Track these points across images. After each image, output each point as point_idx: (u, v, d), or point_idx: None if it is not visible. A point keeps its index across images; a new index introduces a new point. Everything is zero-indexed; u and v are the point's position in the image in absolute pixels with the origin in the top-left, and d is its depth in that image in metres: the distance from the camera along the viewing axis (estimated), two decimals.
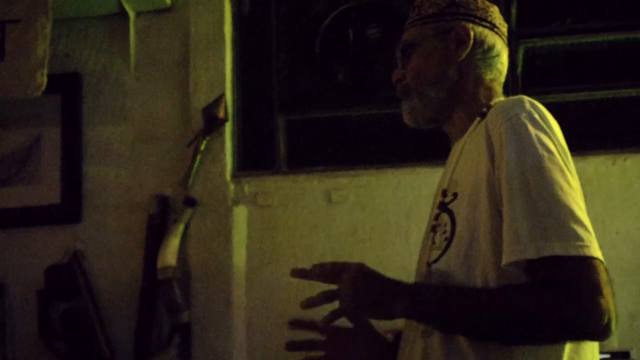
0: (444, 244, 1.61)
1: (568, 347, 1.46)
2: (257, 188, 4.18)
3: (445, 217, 1.63)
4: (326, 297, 1.66)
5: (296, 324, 1.90)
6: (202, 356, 3.96)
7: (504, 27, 1.79)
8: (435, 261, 1.61)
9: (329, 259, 3.91)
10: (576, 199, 1.44)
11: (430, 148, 4.17)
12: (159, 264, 3.96)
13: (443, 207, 1.65)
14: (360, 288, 1.56)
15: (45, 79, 3.87)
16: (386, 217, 4.04)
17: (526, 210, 1.41)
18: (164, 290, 3.95)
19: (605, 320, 1.35)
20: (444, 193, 1.68)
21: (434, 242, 1.66)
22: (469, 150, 1.66)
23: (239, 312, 4.04)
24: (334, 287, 1.63)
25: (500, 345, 1.46)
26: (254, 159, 4.29)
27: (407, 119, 1.84)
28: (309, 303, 1.71)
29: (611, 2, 4.26)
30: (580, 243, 1.38)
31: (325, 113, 4.34)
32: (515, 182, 1.44)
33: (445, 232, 1.61)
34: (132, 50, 4.38)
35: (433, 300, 1.51)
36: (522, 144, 1.47)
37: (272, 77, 4.37)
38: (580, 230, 1.39)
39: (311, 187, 4.16)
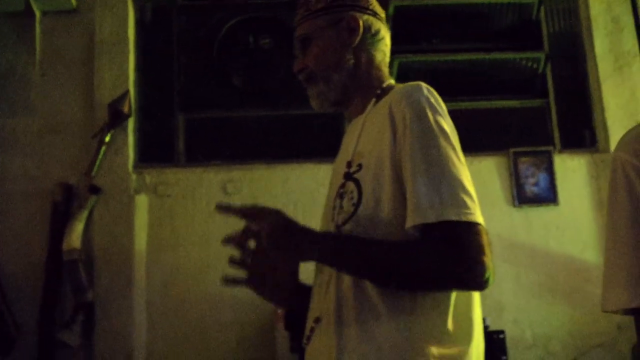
0: (351, 209, 1.69)
1: (457, 293, 1.63)
2: (157, 179, 4.47)
3: (351, 185, 1.72)
4: (246, 236, 1.75)
5: (228, 241, 1.85)
6: (105, 333, 4.18)
7: (383, 14, 1.93)
8: (344, 223, 1.70)
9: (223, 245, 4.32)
10: (465, 174, 1.61)
11: (315, 147, 4.69)
12: (65, 247, 4.18)
13: (348, 176, 1.74)
14: (279, 234, 1.63)
15: None
16: (276, 208, 4.43)
17: (426, 183, 1.56)
18: (69, 271, 4.16)
19: (487, 274, 1.52)
20: (349, 164, 1.76)
21: (341, 207, 1.73)
22: (370, 128, 1.76)
23: (139, 293, 4.29)
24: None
25: (404, 294, 1.60)
26: (155, 152, 4.60)
27: (314, 103, 1.90)
28: (228, 239, 1.80)
29: (470, 27, 4.94)
30: (469, 211, 1.55)
31: (221, 113, 4.73)
32: (417, 159, 1.58)
33: (352, 198, 1.70)
34: (38, 47, 4.58)
35: (343, 247, 1.64)
36: (422, 126, 1.61)
37: (172, 78, 4.71)
38: (469, 201, 1.56)
39: (208, 179, 4.50)
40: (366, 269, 1.62)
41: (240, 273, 1.84)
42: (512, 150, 4.58)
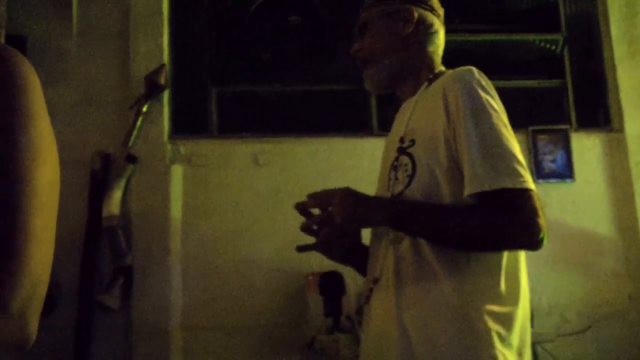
0: (406, 180, 1.84)
1: (507, 256, 1.77)
2: (191, 149, 4.63)
3: (405, 159, 1.86)
4: (321, 220, 1.92)
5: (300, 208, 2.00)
6: (142, 297, 4.35)
7: (440, 11, 2.06)
8: (400, 193, 1.84)
9: (255, 214, 4.54)
10: (516, 146, 1.74)
11: (342, 122, 4.88)
12: (104, 213, 4.34)
13: (402, 150, 1.89)
14: (350, 207, 1.79)
15: (3, 40, 4.14)
16: (305, 179, 4.60)
17: (482, 155, 1.70)
18: (108, 237, 4.33)
19: (542, 235, 1.66)
20: (402, 140, 1.91)
21: (396, 178, 1.88)
22: (422, 107, 1.90)
23: (175, 258, 4.46)
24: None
25: (460, 256, 1.74)
26: (189, 124, 4.75)
27: (367, 84, 2.05)
28: (305, 226, 1.95)
29: (489, 9, 5.11)
30: (523, 179, 1.69)
31: (252, 87, 4.89)
32: (472, 134, 1.72)
33: (406, 170, 1.85)
34: (75, 19, 4.70)
35: (407, 211, 1.78)
36: (475, 104, 1.75)
37: (205, 52, 4.87)
38: (521, 170, 1.70)
39: (240, 151, 4.67)
40: (430, 229, 1.75)
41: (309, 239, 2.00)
42: (530, 128, 4.80)
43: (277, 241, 4.51)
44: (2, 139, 1.02)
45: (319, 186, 1.90)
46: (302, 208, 1.93)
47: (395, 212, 1.78)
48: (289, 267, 4.50)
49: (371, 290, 1.91)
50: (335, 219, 1.82)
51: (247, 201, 4.59)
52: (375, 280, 1.89)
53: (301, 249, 2.00)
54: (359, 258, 2.04)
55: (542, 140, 4.80)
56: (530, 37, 5.12)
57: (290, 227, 4.53)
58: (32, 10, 4.68)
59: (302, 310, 4.38)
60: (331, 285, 4.10)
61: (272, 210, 4.58)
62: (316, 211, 1.94)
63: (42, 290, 1.05)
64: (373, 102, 4.88)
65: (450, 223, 1.73)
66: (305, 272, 4.37)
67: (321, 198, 1.87)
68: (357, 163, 4.65)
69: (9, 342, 0.97)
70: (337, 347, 3.89)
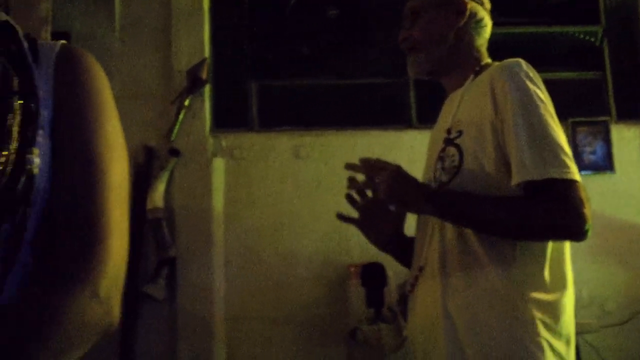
0: (453, 170, 1.85)
1: (552, 246, 1.78)
2: (233, 143, 4.70)
3: (452, 150, 1.88)
4: (365, 186, 1.97)
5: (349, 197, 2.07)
6: (186, 287, 4.43)
7: (489, 5, 2.08)
8: (446, 183, 1.86)
9: (296, 206, 4.59)
10: (563, 138, 1.76)
11: (382, 115, 4.91)
12: (149, 206, 4.42)
13: (449, 141, 1.91)
14: (397, 186, 1.80)
15: (49, 36, 4.23)
16: (345, 172, 4.63)
17: (530, 146, 1.71)
18: (153, 229, 4.41)
19: (587, 226, 1.67)
20: (448, 131, 1.92)
21: (443, 169, 1.89)
22: (469, 99, 1.92)
23: (218, 250, 4.54)
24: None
25: (505, 244, 1.76)
26: (230, 117, 4.82)
27: (411, 70, 2.06)
28: (353, 185, 2.01)
29: (529, 1, 5.12)
30: (569, 170, 1.70)
31: (292, 81, 4.95)
32: (519, 125, 1.73)
33: (453, 161, 1.86)
34: (117, 14, 4.79)
35: (456, 201, 1.80)
36: (522, 96, 1.76)
37: (245, 46, 4.93)
38: (568, 161, 1.71)
39: (280, 144, 4.73)
40: (476, 218, 1.78)
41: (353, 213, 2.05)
42: (570, 120, 4.80)
43: (318, 233, 4.57)
44: (81, 134, 1.07)
45: (358, 179, 1.93)
46: (351, 167, 1.95)
47: (440, 201, 1.80)
48: (330, 259, 4.55)
49: (416, 278, 1.93)
50: (379, 193, 1.86)
51: (288, 193, 4.65)
52: (421, 269, 1.91)
53: (342, 217, 2.05)
54: (400, 247, 2.07)
55: (582, 132, 4.80)
56: (569, 29, 5.12)
57: (331, 219, 4.57)
58: (76, 7, 4.76)
59: (343, 301, 4.43)
60: (373, 276, 4.15)
61: (312, 203, 4.63)
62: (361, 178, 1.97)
63: (123, 276, 1.10)
64: (412, 95, 4.91)
65: (496, 212, 1.75)
66: (346, 264, 4.43)
67: (372, 166, 1.89)
68: (396, 156, 4.66)
69: (98, 326, 1.02)
70: (380, 337, 3.94)
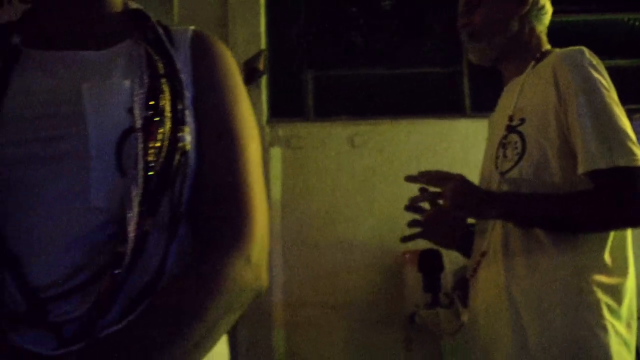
0: (515, 157, 1.84)
1: (614, 234, 1.77)
2: (289, 132, 4.78)
3: (514, 137, 1.87)
4: (428, 197, 1.97)
5: (410, 208, 2.06)
6: None
7: None
8: (508, 171, 1.85)
9: (351, 194, 4.65)
10: (628, 125, 1.75)
11: (436, 104, 4.95)
12: None
13: (511, 129, 1.90)
14: (462, 196, 1.81)
15: None
16: (400, 160, 4.69)
17: (596, 133, 1.70)
18: None
19: None
20: (510, 118, 1.91)
21: (505, 156, 1.88)
22: (531, 87, 1.90)
23: (275, 238, 4.61)
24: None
25: (568, 233, 1.78)
26: (286, 107, 4.90)
27: (472, 57, 2.06)
28: (414, 200, 2.00)
29: None
30: (636, 157, 1.68)
31: (347, 71, 5.01)
32: (584, 113, 1.72)
33: (516, 148, 1.85)
34: (175, 8, 4.89)
35: (519, 205, 1.80)
36: (587, 84, 1.75)
37: (301, 37, 5.01)
38: (635, 148, 1.69)
39: (336, 133, 4.80)
40: (542, 221, 1.79)
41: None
42: (625, 107, 4.77)
43: (374, 220, 4.63)
44: (221, 114, 1.14)
45: (412, 167, 1.94)
46: (412, 179, 1.94)
47: (505, 206, 1.80)
48: (385, 246, 4.61)
49: (479, 263, 1.93)
50: (444, 205, 1.86)
51: (344, 182, 4.72)
52: (483, 254, 1.91)
53: (406, 239, 2.06)
54: (463, 243, 2.07)
55: (637, 119, 4.79)
56: (623, 16, 5.10)
57: (385, 206, 4.70)
58: (135, 1, 4.86)
59: (398, 287, 4.49)
60: (430, 262, 4.18)
61: (368, 191, 4.70)
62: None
63: (268, 243, 1.17)
64: (466, 84, 4.94)
65: (562, 211, 1.76)
66: (401, 250, 4.48)
67: (435, 178, 1.89)
68: (450, 144, 4.73)
69: (252, 290, 1.09)
70: (438, 321, 3.99)
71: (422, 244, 4.21)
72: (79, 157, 1.04)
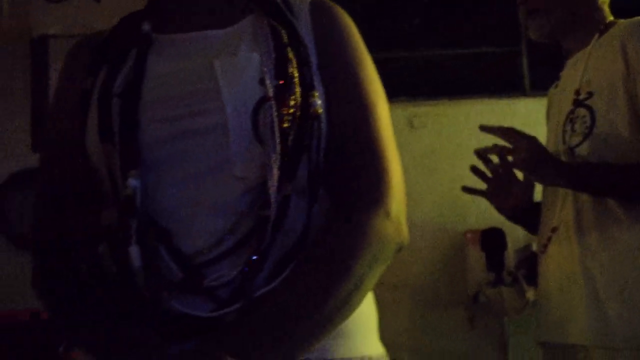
0: (585, 131, 1.84)
1: None
2: None
3: (582, 111, 1.87)
4: (499, 150, 1.92)
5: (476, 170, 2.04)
6: None
7: None
8: (578, 145, 1.86)
9: (412, 175, 4.66)
10: None
11: (495, 84, 4.95)
12: None
13: (579, 103, 1.89)
14: (534, 157, 1.79)
15: None
16: (460, 140, 4.68)
17: None
18: None
19: None
20: (577, 92, 1.90)
21: (573, 130, 1.88)
22: (597, 59, 1.89)
23: None
24: None
25: None
26: None
27: (533, 34, 2.02)
28: (484, 151, 1.98)
29: None
30: None
31: (405, 51, 5.03)
32: None
33: (585, 122, 1.85)
34: None
35: (590, 175, 1.80)
36: None
37: (358, 18, 5.02)
38: None
39: (395, 114, 4.70)
40: (614, 191, 1.78)
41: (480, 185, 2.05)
42: None
43: (435, 201, 4.66)
44: (348, 76, 1.19)
45: (472, 147, 1.93)
46: (488, 129, 1.92)
47: (575, 174, 1.80)
48: (446, 226, 4.64)
49: (549, 239, 1.93)
50: (514, 162, 1.86)
51: (404, 163, 4.56)
52: (554, 229, 1.91)
53: (468, 190, 2.07)
54: (527, 214, 2.04)
55: None
56: None
57: (446, 187, 4.71)
58: None
59: (460, 267, 4.52)
60: (493, 240, 4.22)
61: (428, 171, 4.72)
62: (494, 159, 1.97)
63: (404, 198, 1.21)
64: (525, 63, 4.93)
65: (636, 180, 1.76)
66: (462, 230, 4.51)
67: (509, 133, 1.86)
68: (510, 124, 4.54)
69: (394, 244, 1.14)
70: (502, 300, 4.01)
71: (484, 223, 4.27)
72: (219, 130, 1.10)
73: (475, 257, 4.36)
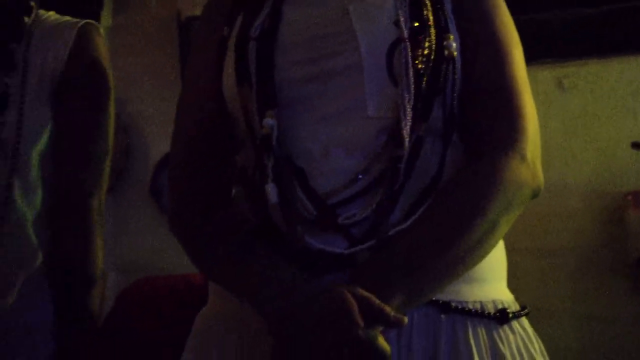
0: None
1: None
2: None
3: None
4: None
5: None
6: None
7: None
8: None
9: (564, 137, 4.54)
10: None
11: None
12: None
13: None
14: None
15: None
16: (614, 100, 4.53)
17: None
18: None
19: None
20: None
21: None
22: None
23: None
24: None
25: None
26: None
27: None
28: None
29: None
30: None
31: (551, 12, 4.86)
32: None
33: None
34: None
35: None
36: None
37: None
38: None
39: (543, 77, 4.68)
40: None
41: None
42: None
43: (589, 162, 4.50)
44: (483, 23, 1.18)
45: (629, 107, 1.85)
46: None
47: None
48: (603, 188, 4.48)
49: None
50: None
51: (555, 125, 4.60)
52: None
53: (637, 146, 2.01)
54: None
55: None
56: None
57: (602, 147, 4.54)
58: None
59: (619, 231, 4.36)
60: None
61: (581, 133, 4.57)
62: None
63: (540, 143, 1.19)
64: None
65: None
66: (622, 192, 4.33)
67: None
68: None
69: (529, 188, 1.12)
70: None
71: None
72: (354, 71, 1.12)
73: (637, 220, 4.19)
